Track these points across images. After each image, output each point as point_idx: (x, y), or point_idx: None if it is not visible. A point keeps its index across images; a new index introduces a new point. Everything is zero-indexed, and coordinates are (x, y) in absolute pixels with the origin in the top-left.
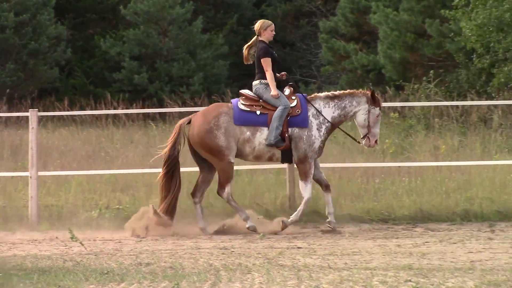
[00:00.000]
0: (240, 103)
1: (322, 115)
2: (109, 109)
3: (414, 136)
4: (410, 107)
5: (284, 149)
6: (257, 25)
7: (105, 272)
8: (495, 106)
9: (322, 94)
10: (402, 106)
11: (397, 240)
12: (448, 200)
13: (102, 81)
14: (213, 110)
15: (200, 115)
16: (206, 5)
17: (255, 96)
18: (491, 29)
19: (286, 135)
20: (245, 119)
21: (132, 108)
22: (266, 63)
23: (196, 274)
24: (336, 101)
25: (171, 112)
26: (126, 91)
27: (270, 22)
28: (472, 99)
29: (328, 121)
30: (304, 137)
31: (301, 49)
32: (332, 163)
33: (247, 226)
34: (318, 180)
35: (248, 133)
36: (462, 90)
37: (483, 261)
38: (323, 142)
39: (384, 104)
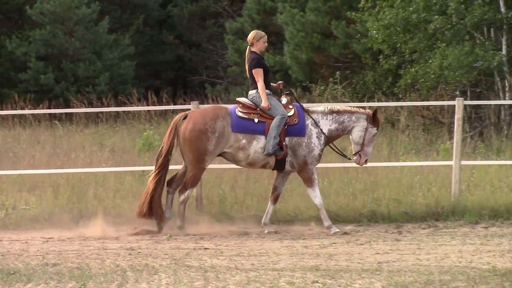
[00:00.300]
0: (238, 111)
1: (319, 127)
2: (15, 109)
3: None
4: None
5: (282, 158)
6: (250, 36)
7: (12, 272)
8: (402, 107)
9: (322, 107)
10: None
11: (304, 241)
12: (355, 201)
13: (8, 82)
14: (212, 112)
15: (198, 113)
16: (112, 6)
17: (252, 104)
18: (398, 29)
19: (284, 143)
20: (243, 127)
21: (39, 109)
22: (258, 74)
23: (103, 275)
24: (334, 115)
25: (77, 113)
26: (33, 91)
27: (263, 33)
28: (379, 100)
29: (324, 133)
30: (304, 144)
31: (207, 50)
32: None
33: (182, 233)
34: (274, 188)
35: (244, 141)
36: (369, 91)
37: (390, 262)
38: (321, 151)
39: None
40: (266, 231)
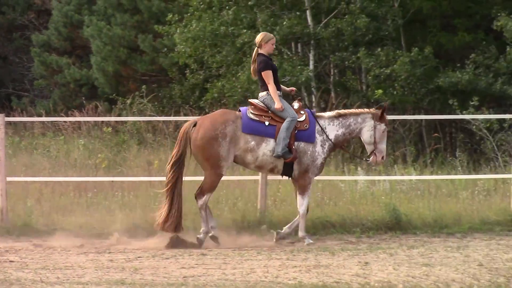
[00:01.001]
0: (250, 112)
1: (325, 133)
2: None
3: (127, 151)
4: (123, 122)
5: (288, 162)
6: (258, 38)
7: None
8: None
9: (329, 112)
10: (115, 121)
11: (110, 254)
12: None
13: None
14: (221, 117)
15: (207, 120)
16: None
17: (264, 106)
18: (205, 43)
19: (293, 147)
20: (253, 128)
21: None
22: (268, 76)
23: None
24: (340, 119)
25: None
26: None
27: (271, 35)
28: (186, 114)
29: (330, 139)
30: (309, 152)
31: (14, 63)
32: (45, 176)
33: (198, 236)
34: None
35: (252, 142)
36: (175, 105)
37: (196, 277)
38: (325, 159)
39: (97, 119)
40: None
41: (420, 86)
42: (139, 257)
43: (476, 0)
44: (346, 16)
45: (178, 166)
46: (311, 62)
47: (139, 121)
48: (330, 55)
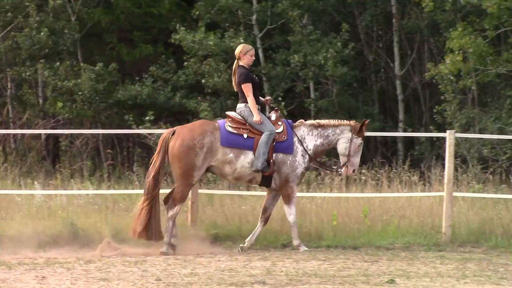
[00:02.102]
0: (227, 125)
1: (304, 143)
2: None
3: None
4: None
5: (269, 174)
6: (237, 50)
7: None
8: None
9: (308, 122)
10: None
11: None
12: None
13: None
14: (199, 127)
15: (186, 129)
16: None
17: (242, 119)
18: None
19: (271, 160)
20: (232, 141)
21: None
22: (247, 88)
23: None
24: (319, 129)
25: None
26: None
27: (250, 46)
28: None
29: (308, 151)
30: (288, 162)
31: None
32: None
33: (161, 250)
34: (265, 209)
35: (231, 155)
36: None
37: None
38: (306, 169)
39: None
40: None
41: (100, 101)
42: None
43: (153, 14)
44: (26, 30)
45: (158, 174)
46: None
47: None
48: (7, 69)
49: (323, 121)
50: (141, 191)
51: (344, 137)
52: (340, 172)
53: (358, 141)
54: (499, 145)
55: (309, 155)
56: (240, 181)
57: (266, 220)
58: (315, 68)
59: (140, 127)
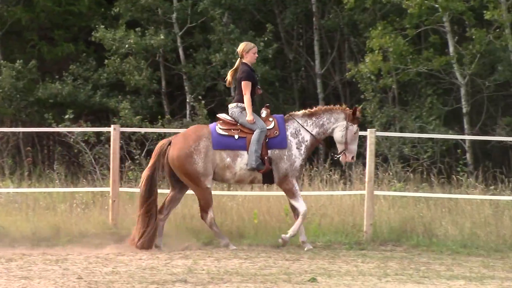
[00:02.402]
0: (218, 128)
1: (300, 135)
2: None
3: None
4: None
5: (265, 171)
6: (240, 48)
7: None
8: None
9: (300, 112)
10: None
11: None
12: None
13: None
14: (194, 133)
15: (181, 138)
16: None
17: (232, 120)
18: None
19: (266, 157)
20: (224, 144)
21: None
22: (246, 86)
23: None
24: (314, 118)
25: None
26: None
27: (253, 44)
28: None
29: (307, 140)
30: (285, 157)
31: None
32: None
33: (230, 248)
34: (292, 208)
35: (228, 159)
36: None
37: None
38: (304, 160)
39: None
40: (306, 249)
41: (21, 98)
42: None
43: (74, 12)
44: None
45: (153, 184)
46: None
47: None
48: None
49: (315, 109)
50: (62, 189)
51: (340, 125)
52: (337, 157)
53: (354, 128)
54: (419, 143)
55: (305, 146)
56: (243, 183)
57: (297, 216)
58: None
59: (60, 125)
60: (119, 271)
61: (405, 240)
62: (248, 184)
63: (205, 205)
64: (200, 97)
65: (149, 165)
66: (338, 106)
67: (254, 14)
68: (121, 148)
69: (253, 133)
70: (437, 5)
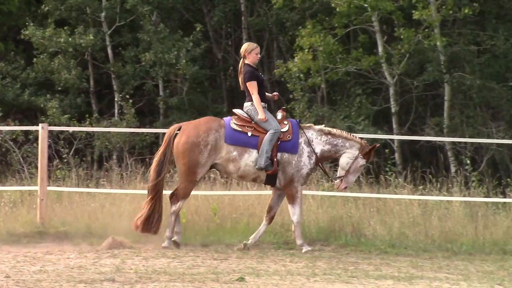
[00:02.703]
0: (233, 123)
1: (312, 145)
2: None
3: None
4: None
5: (272, 173)
6: (242, 49)
7: None
8: None
9: (318, 126)
10: None
11: None
12: None
13: None
14: (205, 124)
15: (191, 126)
16: None
17: (247, 117)
18: None
19: (275, 159)
20: (236, 139)
21: None
22: (252, 86)
23: None
24: (329, 136)
25: None
26: None
27: (255, 45)
28: None
29: (315, 153)
30: (293, 162)
31: None
32: None
33: (163, 245)
34: (270, 208)
35: (235, 153)
36: None
37: None
38: (312, 170)
39: None
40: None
41: None
42: None
43: (3, 11)
44: None
45: (161, 169)
46: None
47: None
48: None
49: (334, 130)
50: None
51: (351, 153)
52: (333, 182)
53: (362, 161)
54: None
55: (316, 157)
56: (245, 180)
57: (270, 220)
58: (166, 67)
59: None
60: (47, 270)
61: (334, 239)
62: (250, 181)
63: (182, 195)
64: (128, 96)
65: (160, 151)
66: (357, 137)
67: (183, 13)
68: (49, 147)
69: (266, 133)
70: (366, 5)
